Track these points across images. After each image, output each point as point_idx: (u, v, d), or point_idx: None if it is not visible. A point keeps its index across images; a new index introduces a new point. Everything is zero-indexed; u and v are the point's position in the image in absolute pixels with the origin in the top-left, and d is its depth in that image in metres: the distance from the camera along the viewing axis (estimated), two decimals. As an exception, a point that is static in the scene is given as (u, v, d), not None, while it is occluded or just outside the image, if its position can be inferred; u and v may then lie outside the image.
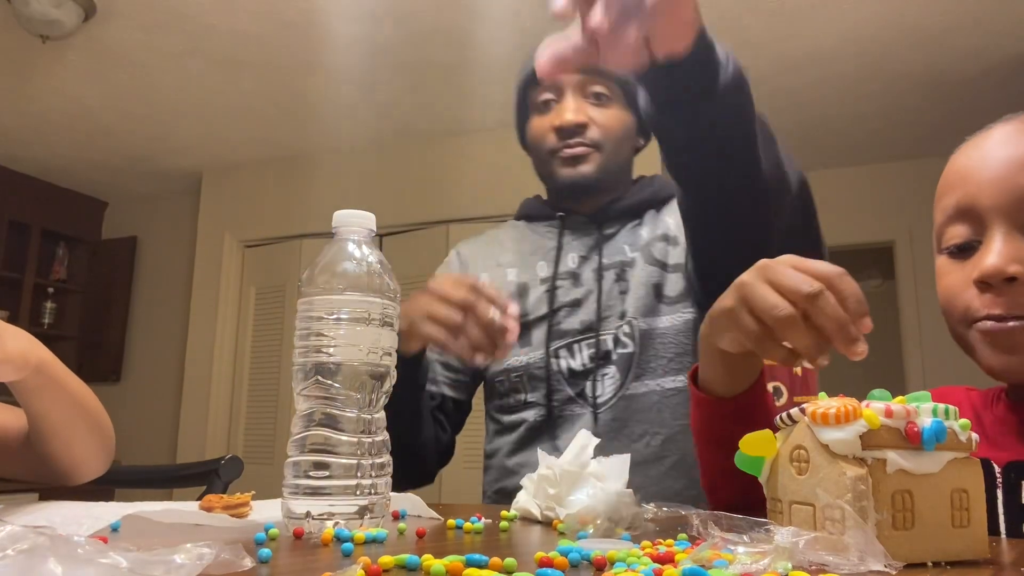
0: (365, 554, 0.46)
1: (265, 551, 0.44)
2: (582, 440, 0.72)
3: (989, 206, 0.64)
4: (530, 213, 1.24)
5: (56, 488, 0.87)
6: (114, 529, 0.55)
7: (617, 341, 1.08)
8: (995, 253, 0.62)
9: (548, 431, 1.08)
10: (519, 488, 0.74)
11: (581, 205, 1.16)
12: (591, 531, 0.58)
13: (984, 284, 0.64)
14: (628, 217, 1.15)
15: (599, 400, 1.07)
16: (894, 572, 0.41)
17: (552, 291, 1.12)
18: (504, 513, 0.71)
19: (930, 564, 0.45)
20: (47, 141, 3.89)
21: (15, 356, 0.68)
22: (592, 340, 1.09)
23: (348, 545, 0.50)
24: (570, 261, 1.14)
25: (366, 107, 3.45)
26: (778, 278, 0.58)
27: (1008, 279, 0.62)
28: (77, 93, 3.37)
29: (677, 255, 1.11)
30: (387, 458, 0.63)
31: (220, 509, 0.64)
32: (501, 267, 1.18)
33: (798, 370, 1.27)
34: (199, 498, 0.72)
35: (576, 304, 1.11)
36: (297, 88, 3.30)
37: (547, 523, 0.67)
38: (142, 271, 4.62)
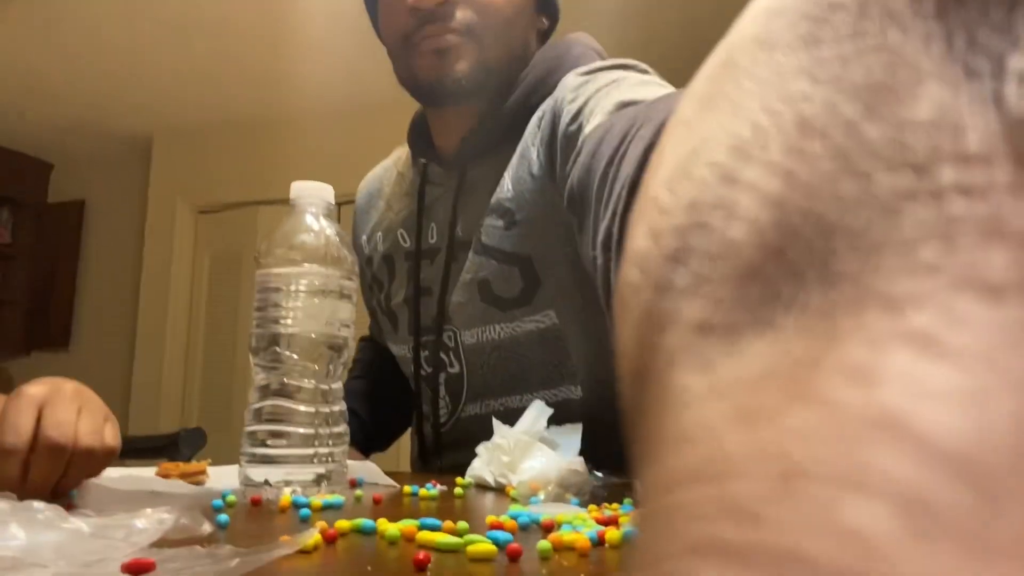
0: (322, 519, 0.48)
1: (223, 516, 0.45)
2: (536, 410, 0.75)
3: None
4: (410, 139, 0.93)
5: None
6: (71, 497, 0.56)
7: (444, 357, 0.85)
8: None
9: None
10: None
11: (450, 127, 0.86)
12: (542, 497, 0.61)
13: None
14: (496, 147, 0.82)
15: (440, 419, 0.88)
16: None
17: (416, 270, 0.88)
18: (459, 480, 0.73)
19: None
20: (-12, 99, 3.73)
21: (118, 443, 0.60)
22: (430, 341, 0.86)
23: (305, 511, 0.51)
24: (432, 232, 0.87)
25: (326, 74, 3.39)
26: None
27: None
28: (20, 50, 3.23)
29: (515, 239, 0.78)
30: (344, 427, 0.64)
31: (176, 476, 0.65)
32: (375, 227, 0.96)
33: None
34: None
35: (429, 292, 0.86)
36: (254, 52, 3.22)
37: (500, 490, 0.70)
38: (91, 236, 4.50)
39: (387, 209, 0.95)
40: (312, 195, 0.64)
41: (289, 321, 0.61)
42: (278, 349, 0.61)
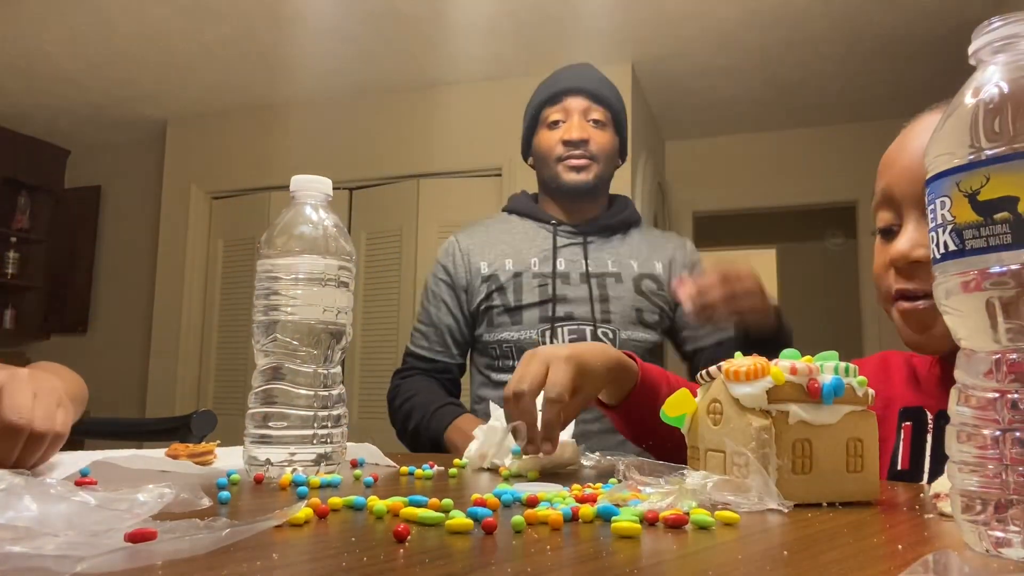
0: (319, 497, 0.51)
1: (224, 494, 0.48)
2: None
3: (903, 194, 0.68)
4: (521, 210, 1.49)
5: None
6: (84, 475, 0.59)
7: (597, 335, 1.36)
8: (905, 239, 0.67)
9: None
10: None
11: (573, 211, 1.45)
12: (531, 476, 0.63)
13: (897, 266, 0.68)
14: (607, 232, 1.46)
15: None
16: (786, 510, 0.46)
17: (546, 285, 1.39)
18: (456, 461, 0.76)
19: (825, 504, 0.50)
20: (5, 87, 3.78)
21: (67, 429, 0.64)
22: (574, 327, 1.38)
23: (303, 489, 0.54)
24: (560, 264, 1.42)
25: (337, 58, 3.40)
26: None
27: (915, 262, 0.66)
28: (36, 38, 3.27)
29: (659, 296, 1.42)
30: (343, 410, 0.67)
31: (185, 457, 0.68)
32: (499, 257, 1.44)
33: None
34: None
35: (564, 300, 1.38)
36: (266, 37, 3.24)
37: (495, 470, 0.72)
38: (107, 221, 4.56)
39: (508, 245, 1.45)
40: (311, 187, 0.67)
41: (289, 308, 0.64)
42: (278, 335, 0.64)
